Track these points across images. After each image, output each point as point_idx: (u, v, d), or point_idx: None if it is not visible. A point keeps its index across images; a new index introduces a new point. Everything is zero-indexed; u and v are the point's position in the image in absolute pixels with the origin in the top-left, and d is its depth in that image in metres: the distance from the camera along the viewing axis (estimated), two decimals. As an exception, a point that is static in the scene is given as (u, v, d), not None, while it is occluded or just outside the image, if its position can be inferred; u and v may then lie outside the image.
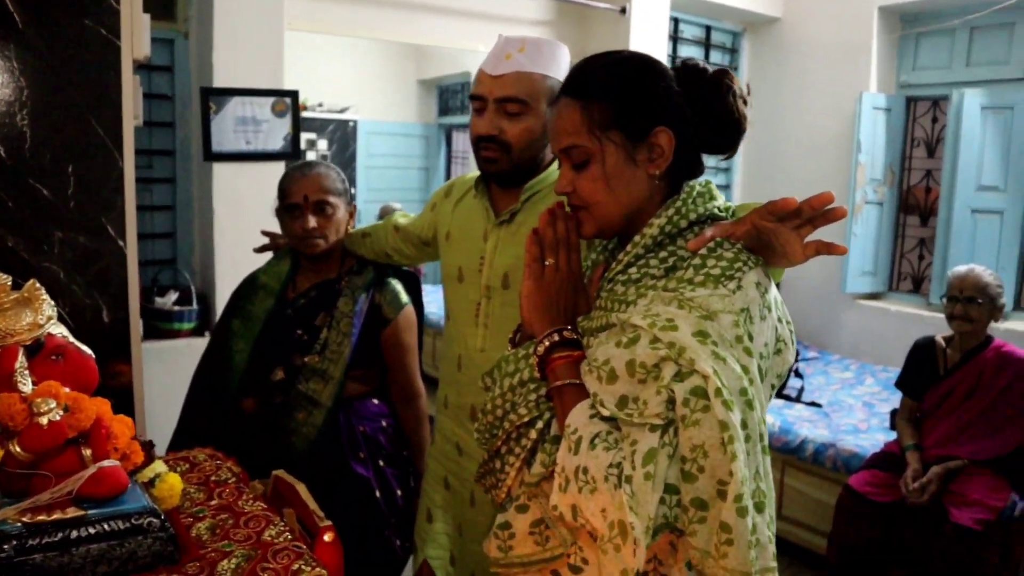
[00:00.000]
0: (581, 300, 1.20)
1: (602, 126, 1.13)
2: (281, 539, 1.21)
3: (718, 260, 1.07)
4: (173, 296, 3.30)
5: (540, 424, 1.11)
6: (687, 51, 5.19)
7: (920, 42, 4.87)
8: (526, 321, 1.19)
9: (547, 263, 1.19)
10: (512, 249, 1.63)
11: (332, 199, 2.03)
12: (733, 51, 5.46)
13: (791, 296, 5.26)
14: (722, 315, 1.02)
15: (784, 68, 5.25)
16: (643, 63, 1.16)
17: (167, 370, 3.08)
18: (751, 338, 1.03)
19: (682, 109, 1.14)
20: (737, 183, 5.56)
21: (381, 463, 2.08)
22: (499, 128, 1.57)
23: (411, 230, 1.98)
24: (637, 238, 1.14)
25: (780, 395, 4.21)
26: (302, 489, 1.38)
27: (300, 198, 2.01)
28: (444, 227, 1.81)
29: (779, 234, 1.08)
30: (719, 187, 5.60)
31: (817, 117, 5.07)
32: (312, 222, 2.00)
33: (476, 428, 1.20)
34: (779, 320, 1.13)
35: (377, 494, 2.05)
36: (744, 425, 0.97)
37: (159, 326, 3.22)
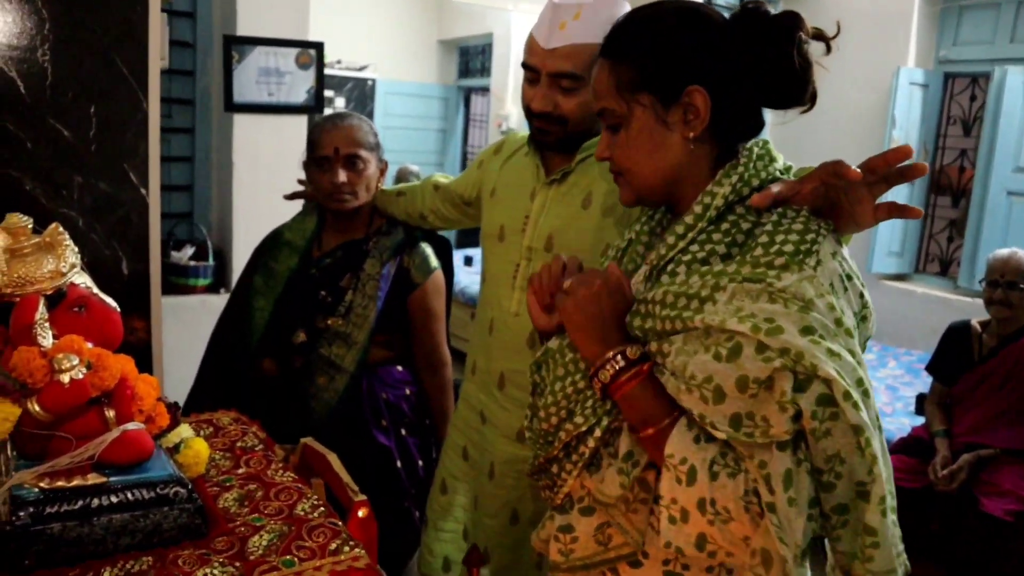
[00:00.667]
0: (627, 297, 1.08)
1: (631, 88, 1.05)
2: (316, 514, 1.13)
3: (787, 233, 0.96)
4: (189, 251, 3.21)
5: (598, 432, 1.02)
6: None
7: (963, 16, 4.70)
8: (575, 340, 1.06)
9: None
10: (560, 210, 1.54)
11: (364, 153, 1.93)
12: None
13: (815, 274, 5.15)
14: (817, 301, 0.91)
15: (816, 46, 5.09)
16: (681, 15, 1.05)
17: (182, 327, 3.00)
18: (843, 314, 0.94)
19: (727, 63, 1.03)
20: (764, 157, 5.43)
21: (403, 432, 2.01)
22: (554, 103, 1.46)
23: (453, 189, 1.87)
24: (698, 209, 1.03)
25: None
26: (334, 460, 1.30)
27: (331, 150, 1.90)
28: (490, 184, 1.71)
29: (850, 192, 0.97)
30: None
31: (851, 91, 4.91)
32: (342, 176, 1.90)
33: (528, 433, 1.12)
34: (859, 284, 1.02)
35: (398, 464, 1.98)
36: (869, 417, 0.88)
37: (174, 281, 3.14)
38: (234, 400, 1.82)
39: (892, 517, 0.90)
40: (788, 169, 1.10)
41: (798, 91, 1.05)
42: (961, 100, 4.84)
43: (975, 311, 3.10)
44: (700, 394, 0.91)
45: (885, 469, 0.88)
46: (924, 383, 3.72)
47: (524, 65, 1.50)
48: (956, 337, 3.17)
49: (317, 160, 1.93)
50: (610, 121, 1.08)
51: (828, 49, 1.09)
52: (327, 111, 6.04)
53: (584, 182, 1.52)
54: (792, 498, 0.87)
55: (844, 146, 4.95)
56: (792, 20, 1.02)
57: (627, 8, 1.48)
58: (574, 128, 1.48)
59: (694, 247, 1.02)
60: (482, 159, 1.79)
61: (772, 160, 1.07)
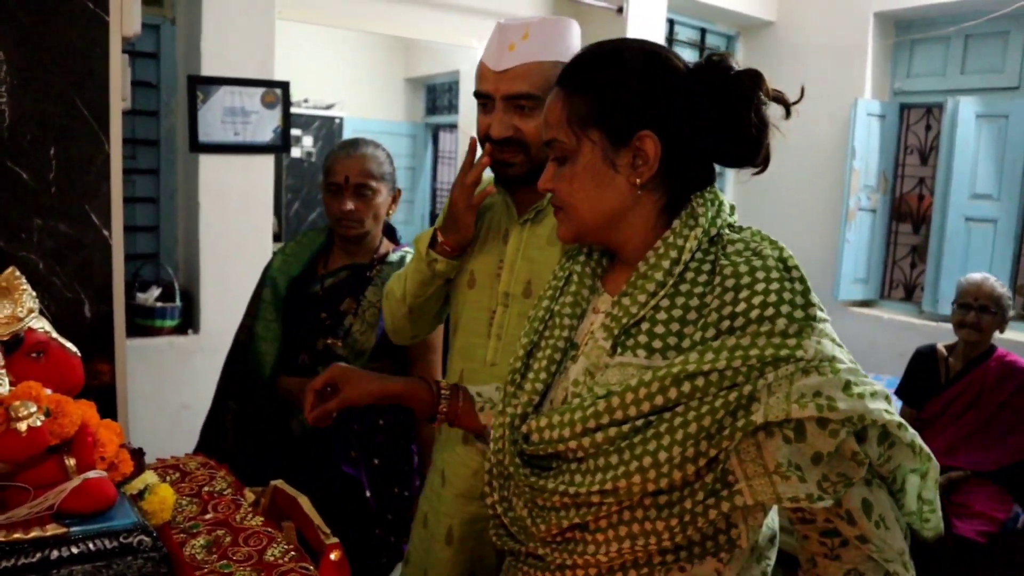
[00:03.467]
0: None
1: (582, 121, 1.03)
2: (286, 559, 1.10)
3: (768, 282, 0.97)
4: (155, 292, 3.17)
5: None
6: (682, 53, 5.11)
7: (915, 49, 4.84)
8: None
9: None
10: (536, 253, 1.46)
11: (374, 183, 1.96)
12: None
13: (783, 302, 5.20)
14: (838, 352, 0.96)
15: (778, 72, 5.16)
16: (645, 56, 1.04)
17: (149, 369, 2.95)
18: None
19: (683, 113, 1.02)
20: (728, 188, 5.50)
21: (376, 461, 1.99)
22: (513, 127, 1.40)
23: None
24: (665, 264, 1.02)
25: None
26: (304, 502, 1.27)
27: (341, 178, 1.94)
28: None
29: None
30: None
31: (811, 122, 5.01)
32: (350, 204, 1.93)
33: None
34: None
35: (367, 494, 1.96)
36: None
37: (140, 323, 3.09)
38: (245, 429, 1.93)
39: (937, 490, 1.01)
40: (733, 210, 1.10)
41: (752, 151, 1.05)
42: (917, 130, 4.96)
43: (940, 335, 3.15)
44: (796, 476, 0.91)
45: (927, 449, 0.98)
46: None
47: (476, 94, 1.45)
48: (923, 361, 3.21)
49: (328, 186, 1.97)
50: (558, 153, 1.07)
51: (788, 114, 1.10)
52: (294, 151, 6.06)
53: (551, 219, 1.43)
54: (878, 520, 0.96)
55: (806, 177, 5.04)
56: (753, 80, 1.03)
57: (575, 28, 1.48)
58: (538, 153, 1.41)
59: (664, 302, 1.01)
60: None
61: (722, 205, 1.07)
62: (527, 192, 1.49)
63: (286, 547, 1.14)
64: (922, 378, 3.18)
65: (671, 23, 4.91)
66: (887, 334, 4.71)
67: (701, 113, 1.02)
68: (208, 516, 1.23)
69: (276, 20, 3.24)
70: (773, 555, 1.13)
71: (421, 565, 1.59)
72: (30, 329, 1.07)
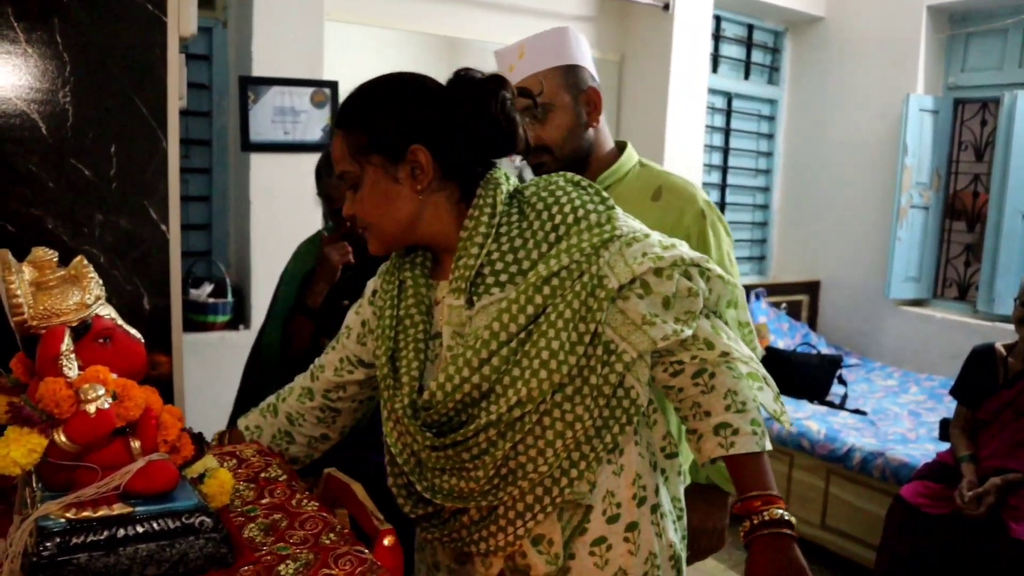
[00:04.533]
0: None
1: (361, 151, 1.20)
2: (342, 543, 1.12)
3: (569, 200, 1.20)
4: (208, 288, 3.23)
5: None
6: (729, 50, 5.08)
7: (970, 42, 4.73)
8: None
9: None
10: None
11: None
12: (775, 51, 5.33)
13: (833, 300, 5.13)
14: (633, 222, 1.23)
15: (828, 68, 5.12)
16: (398, 85, 1.23)
17: (201, 364, 3.01)
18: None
19: (443, 122, 1.19)
20: (777, 185, 5.43)
21: None
22: (535, 136, 1.54)
23: None
24: (482, 228, 1.19)
25: (824, 401, 4.08)
26: (358, 489, 1.29)
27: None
28: None
29: None
30: (758, 189, 5.48)
31: (862, 119, 4.93)
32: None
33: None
34: None
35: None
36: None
37: (193, 318, 3.16)
38: None
39: None
40: (507, 177, 1.27)
41: (509, 142, 1.23)
42: (972, 125, 4.85)
43: (995, 335, 3.07)
44: (660, 320, 1.16)
45: None
46: (947, 408, 3.67)
47: None
48: (980, 360, 3.13)
49: (332, 212, 2.03)
50: (349, 183, 1.23)
51: (535, 106, 1.43)
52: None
53: (636, 183, 1.61)
54: (727, 337, 1.21)
55: (856, 174, 4.96)
56: (496, 83, 1.21)
57: (568, 33, 1.68)
58: (562, 154, 1.56)
59: (492, 246, 1.18)
60: None
61: (504, 177, 1.25)
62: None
63: (341, 531, 1.16)
64: (979, 378, 3.10)
65: (718, 20, 4.87)
66: (939, 334, 4.61)
67: (460, 118, 1.19)
68: (265, 501, 1.26)
69: (324, 22, 3.29)
70: (670, 469, 1.31)
71: None
72: (97, 316, 1.10)
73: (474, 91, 1.21)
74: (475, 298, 1.18)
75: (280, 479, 1.33)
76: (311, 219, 3.40)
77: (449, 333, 1.21)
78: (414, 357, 1.22)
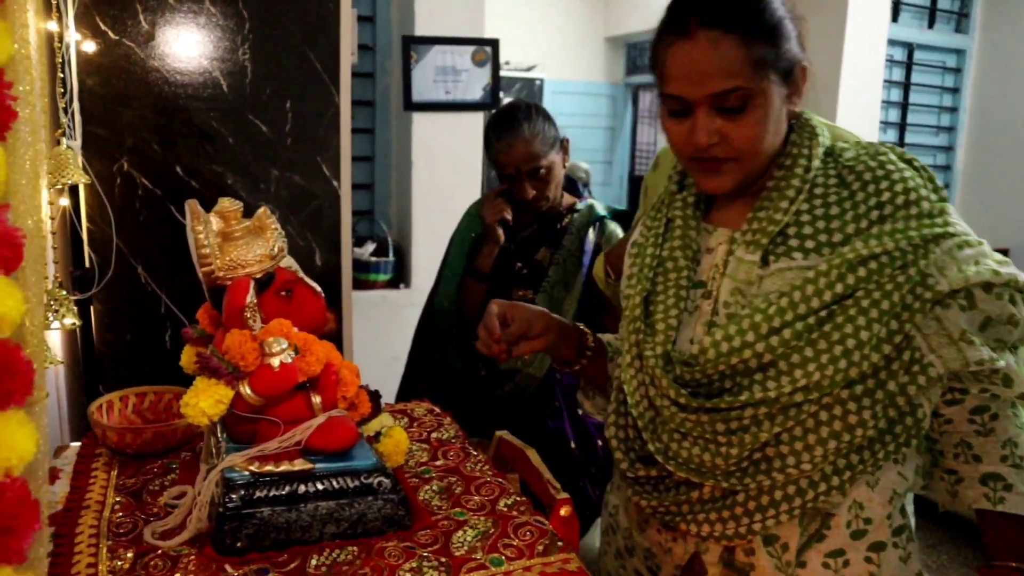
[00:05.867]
0: None
1: (763, 65, 0.99)
2: (519, 512, 1.07)
3: (904, 178, 1.02)
4: (370, 247, 3.29)
5: None
6: (910, 17, 4.65)
7: None
8: None
9: None
10: None
11: (544, 161, 1.88)
12: (962, 15, 4.84)
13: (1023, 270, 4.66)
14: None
15: (1020, 35, 4.60)
16: None
17: (364, 321, 3.07)
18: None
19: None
20: (962, 144, 4.97)
21: (580, 411, 1.95)
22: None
23: None
24: (799, 171, 1.04)
25: None
26: (532, 454, 1.24)
27: (513, 170, 1.89)
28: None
29: None
30: (939, 148, 5.05)
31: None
32: (530, 191, 1.89)
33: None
34: None
35: (572, 444, 1.93)
36: None
37: (356, 276, 3.21)
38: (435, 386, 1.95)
39: None
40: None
41: None
42: None
43: None
44: (978, 340, 0.99)
45: None
46: None
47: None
48: None
49: (503, 177, 1.93)
50: (732, 103, 1.00)
51: None
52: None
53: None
54: None
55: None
56: None
57: None
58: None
59: (804, 206, 1.03)
60: (645, 184, 1.57)
61: (815, 127, 1.09)
62: None
63: (517, 499, 1.11)
64: None
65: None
66: None
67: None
68: (439, 463, 1.22)
69: (483, -20, 3.24)
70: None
71: None
72: (280, 268, 1.09)
73: None
74: (772, 257, 1.03)
75: (453, 440, 1.29)
76: (472, 179, 3.39)
77: (729, 289, 1.06)
78: (673, 304, 1.08)
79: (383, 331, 3.16)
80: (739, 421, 1.00)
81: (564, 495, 1.13)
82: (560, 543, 1.00)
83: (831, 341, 0.97)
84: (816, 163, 1.04)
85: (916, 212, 1.00)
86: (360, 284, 3.23)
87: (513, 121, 1.92)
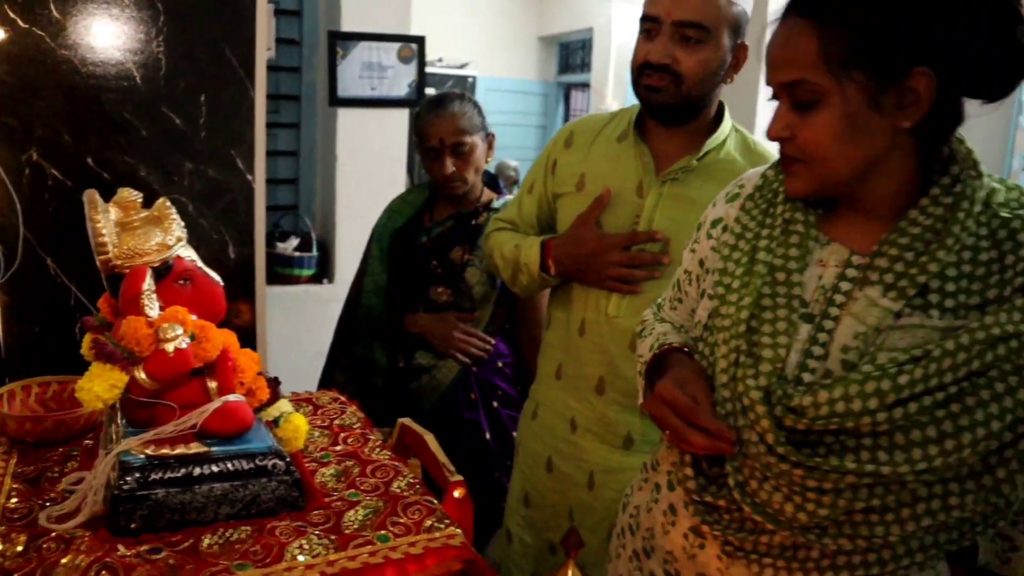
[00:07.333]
0: None
1: (845, 61, 0.86)
2: (411, 492, 1.12)
3: None
4: (294, 242, 3.29)
5: None
6: None
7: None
8: None
9: None
10: (676, 214, 1.42)
11: (468, 139, 1.93)
12: None
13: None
14: None
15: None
16: None
17: (287, 316, 3.08)
18: None
19: (964, 40, 0.85)
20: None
21: (495, 404, 2.01)
22: (672, 57, 1.35)
23: (527, 216, 1.68)
24: (970, 224, 0.88)
25: None
26: (431, 439, 1.29)
27: (436, 141, 1.92)
28: (571, 180, 1.56)
29: None
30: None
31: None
32: (450, 166, 1.92)
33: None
34: None
35: (487, 436, 1.99)
36: None
37: (279, 271, 3.22)
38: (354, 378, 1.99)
39: None
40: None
41: (1013, 79, 0.88)
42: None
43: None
44: None
45: None
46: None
47: (644, 17, 1.39)
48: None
49: (426, 151, 1.97)
50: (803, 97, 0.90)
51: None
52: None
53: (708, 188, 1.36)
54: None
55: (968, 134, 4.67)
56: None
57: None
58: (689, 90, 1.37)
59: (951, 257, 0.88)
60: (553, 159, 1.62)
61: (978, 162, 0.92)
62: (665, 144, 1.46)
63: (412, 480, 1.16)
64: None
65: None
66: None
67: (981, 38, 0.85)
68: (338, 448, 1.26)
69: (412, -23, 3.27)
70: None
71: (552, 507, 1.59)
72: (178, 257, 1.12)
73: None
74: (907, 309, 0.89)
75: (355, 427, 1.34)
76: (396, 175, 3.41)
77: (852, 332, 0.91)
78: (784, 331, 0.93)
79: (307, 326, 3.16)
80: (835, 484, 0.89)
81: (458, 477, 1.18)
82: (447, 520, 1.05)
83: (958, 424, 0.85)
84: (978, 208, 0.88)
85: None
86: (283, 279, 3.23)
87: (445, 99, 1.99)
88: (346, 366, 2.13)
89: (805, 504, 0.90)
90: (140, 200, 1.12)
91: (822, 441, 0.90)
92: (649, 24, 1.38)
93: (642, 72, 1.39)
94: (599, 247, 1.44)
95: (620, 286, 1.44)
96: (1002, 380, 0.84)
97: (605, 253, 1.43)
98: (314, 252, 3.28)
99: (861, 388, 0.86)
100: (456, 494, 1.17)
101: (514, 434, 2.01)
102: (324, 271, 3.35)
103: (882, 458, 0.86)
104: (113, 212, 1.10)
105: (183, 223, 1.15)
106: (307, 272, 3.27)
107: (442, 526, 1.04)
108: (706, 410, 0.95)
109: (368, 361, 2.07)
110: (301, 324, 3.15)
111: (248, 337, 1.91)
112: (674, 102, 1.39)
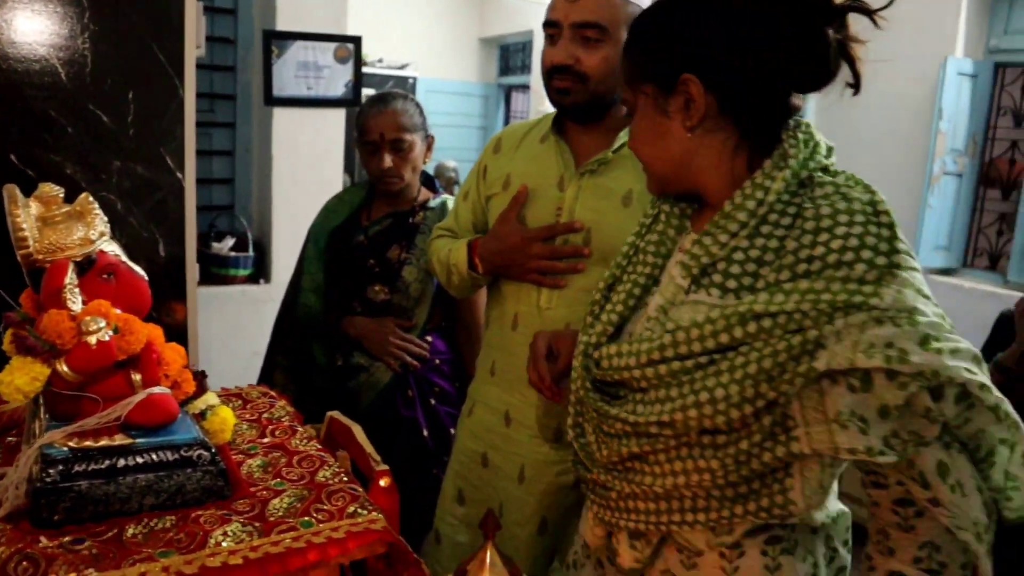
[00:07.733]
0: None
1: (635, 77, 1.07)
2: (335, 480, 1.14)
3: (851, 226, 0.92)
4: (230, 242, 3.27)
5: None
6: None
7: (1014, 4, 4.58)
8: None
9: None
10: (596, 203, 1.47)
11: (408, 136, 1.97)
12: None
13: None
14: (920, 305, 0.88)
15: (860, 30, 4.99)
16: (686, 1, 1.02)
17: (223, 316, 3.06)
18: (932, 297, 0.92)
19: (736, 47, 0.97)
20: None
21: (432, 401, 2.04)
22: (575, 57, 1.43)
23: (463, 222, 1.72)
24: (750, 205, 0.98)
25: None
26: (358, 431, 1.31)
27: (376, 136, 1.96)
28: (498, 182, 1.61)
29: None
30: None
31: (896, 81, 4.80)
32: (388, 161, 1.96)
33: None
34: None
35: (425, 433, 2.02)
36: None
37: (215, 271, 3.20)
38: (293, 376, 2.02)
39: None
40: (831, 151, 1.04)
41: (819, 73, 1.01)
42: (1012, 91, 4.71)
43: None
44: (856, 427, 0.88)
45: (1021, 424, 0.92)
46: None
47: (546, 23, 1.48)
48: (1008, 325, 3.08)
49: (364, 144, 2.00)
50: (628, 112, 1.11)
51: (874, 24, 1.08)
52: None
53: (626, 176, 1.45)
54: (954, 485, 0.90)
55: (888, 138, 4.85)
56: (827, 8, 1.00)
57: None
58: (595, 88, 1.44)
59: (744, 243, 0.99)
60: (484, 165, 1.69)
61: (818, 146, 1.02)
62: (583, 140, 1.52)
63: (337, 470, 1.18)
64: (1006, 343, 3.04)
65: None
66: (969, 304, 4.51)
67: (761, 42, 0.97)
68: (266, 440, 1.28)
69: (349, -24, 3.28)
70: (841, 540, 1.10)
71: (486, 502, 1.61)
72: (102, 251, 1.12)
73: (801, 8, 0.98)
74: (695, 286, 1.02)
75: (283, 420, 1.35)
76: (333, 175, 3.42)
77: (657, 304, 1.07)
78: (623, 300, 1.11)
79: (243, 326, 3.15)
80: (612, 428, 1.06)
81: (383, 467, 1.21)
82: (370, 506, 1.08)
83: (696, 388, 0.96)
84: (772, 197, 0.97)
85: (843, 275, 0.90)
86: (219, 279, 3.22)
87: (388, 96, 2.04)
88: (286, 366, 2.14)
89: (601, 446, 1.09)
90: (62, 195, 1.12)
91: (617, 393, 1.08)
92: (551, 30, 1.47)
93: (551, 76, 1.47)
94: (520, 242, 1.49)
95: (542, 279, 1.48)
96: (745, 355, 0.93)
97: (526, 247, 1.48)
98: (250, 252, 3.27)
99: (630, 348, 1.03)
100: (382, 483, 1.19)
101: (452, 431, 2.04)
102: (260, 271, 3.33)
103: (638, 410, 1.02)
104: (34, 207, 1.10)
105: (107, 218, 1.15)
106: (243, 272, 3.25)
107: (365, 512, 1.06)
108: (541, 360, 1.28)
109: (307, 360, 2.08)
110: (237, 324, 3.14)
111: (180, 336, 1.91)
112: (583, 100, 1.47)
